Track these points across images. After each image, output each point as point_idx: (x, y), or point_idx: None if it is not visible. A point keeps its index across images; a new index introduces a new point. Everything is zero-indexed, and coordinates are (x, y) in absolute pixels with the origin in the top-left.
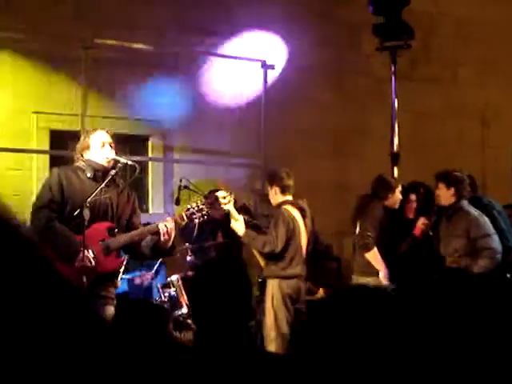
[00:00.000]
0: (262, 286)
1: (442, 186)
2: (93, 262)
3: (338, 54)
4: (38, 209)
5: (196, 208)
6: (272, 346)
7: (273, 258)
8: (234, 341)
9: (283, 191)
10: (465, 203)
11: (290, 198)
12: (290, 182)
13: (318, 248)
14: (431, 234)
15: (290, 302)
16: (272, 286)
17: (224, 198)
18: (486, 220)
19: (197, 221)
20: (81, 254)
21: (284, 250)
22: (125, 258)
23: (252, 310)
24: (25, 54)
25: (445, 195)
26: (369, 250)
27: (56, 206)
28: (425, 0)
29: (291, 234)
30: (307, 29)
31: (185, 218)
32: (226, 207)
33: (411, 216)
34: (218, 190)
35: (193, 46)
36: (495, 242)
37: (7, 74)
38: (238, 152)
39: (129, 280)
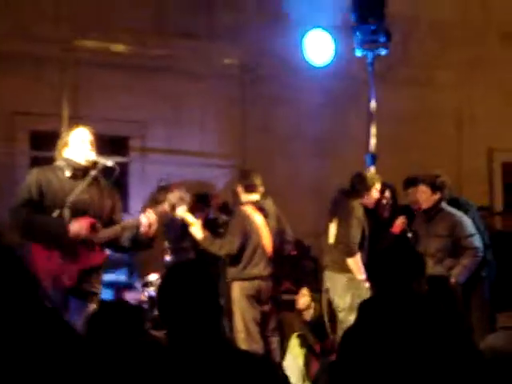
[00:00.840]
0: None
1: (426, 189)
2: (86, 232)
3: None
4: (16, 207)
5: (178, 197)
6: (243, 347)
7: (231, 260)
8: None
9: (247, 190)
10: (444, 204)
11: (255, 197)
12: (256, 182)
13: (287, 246)
14: (410, 234)
15: (254, 302)
16: (234, 288)
17: (181, 199)
18: (468, 220)
19: (181, 210)
20: (71, 228)
21: (240, 251)
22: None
23: (221, 307)
24: (6, 55)
25: (428, 199)
26: (352, 255)
27: (34, 205)
28: (401, 3)
29: (247, 237)
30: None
31: (167, 208)
32: (179, 212)
33: (386, 215)
34: (202, 194)
35: (173, 48)
36: (478, 241)
37: None
38: (218, 153)
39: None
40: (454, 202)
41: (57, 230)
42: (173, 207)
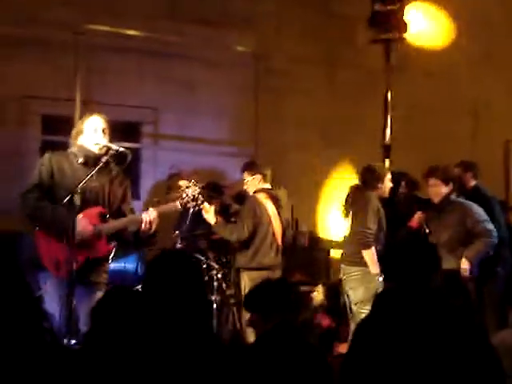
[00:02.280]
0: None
1: (438, 182)
2: (92, 229)
3: (332, 45)
4: (25, 192)
5: (191, 197)
6: (252, 338)
7: (240, 248)
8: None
9: (264, 179)
10: (453, 196)
11: (268, 186)
12: (269, 171)
13: (301, 237)
14: (427, 230)
15: None
16: (243, 277)
17: (188, 187)
18: (478, 207)
19: (191, 210)
20: (79, 223)
21: (250, 239)
22: (115, 244)
23: (207, 300)
24: (18, 41)
25: (441, 191)
26: (368, 247)
27: (44, 190)
28: None
29: (257, 224)
30: (301, 20)
31: (179, 206)
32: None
33: (401, 205)
34: (212, 183)
35: (186, 34)
36: (491, 225)
37: (1, 60)
38: (230, 141)
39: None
40: (476, 192)
41: (62, 223)
42: (185, 205)
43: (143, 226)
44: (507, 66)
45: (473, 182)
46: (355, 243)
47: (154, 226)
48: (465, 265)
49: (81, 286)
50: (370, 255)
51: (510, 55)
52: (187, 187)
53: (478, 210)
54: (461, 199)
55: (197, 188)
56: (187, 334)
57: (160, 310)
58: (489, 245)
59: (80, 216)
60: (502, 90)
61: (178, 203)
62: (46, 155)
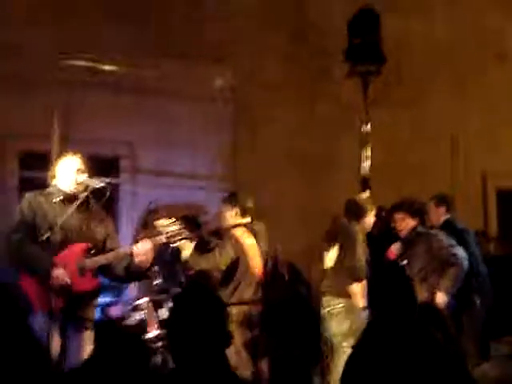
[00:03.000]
0: None
1: (405, 216)
2: (67, 280)
3: (309, 78)
4: (10, 233)
5: (176, 231)
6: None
7: (220, 283)
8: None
9: (244, 213)
10: (420, 228)
11: (247, 220)
12: (250, 205)
13: (282, 268)
14: (405, 262)
15: (244, 327)
16: None
17: (178, 234)
18: (443, 234)
19: (175, 244)
20: (54, 273)
21: (230, 274)
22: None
23: (229, 335)
24: None
25: (408, 225)
26: (361, 280)
27: (29, 229)
28: (396, 27)
29: (235, 261)
30: (277, 52)
31: (163, 240)
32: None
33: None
34: (190, 216)
35: (162, 68)
36: (459, 249)
37: None
38: (208, 175)
39: (102, 309)
40: (450, 225)
41: (42, 267)
42: (169, 239)
43: (137, 258)
44: (484, 96)
45: (445, 216)
46: (342, 276)
47: (149, 257)
48: (441, 299)
49: (69, 323)
50: (359, 288)
51: (487, 85)
52: (166, 225)
53: (443, 237)
54: (425, 230)
55: (178, 225)
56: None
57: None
58: (459, 270)
59: (58, 267)
60: (478, 120)
61: (163, 237)
62: (26, 196)
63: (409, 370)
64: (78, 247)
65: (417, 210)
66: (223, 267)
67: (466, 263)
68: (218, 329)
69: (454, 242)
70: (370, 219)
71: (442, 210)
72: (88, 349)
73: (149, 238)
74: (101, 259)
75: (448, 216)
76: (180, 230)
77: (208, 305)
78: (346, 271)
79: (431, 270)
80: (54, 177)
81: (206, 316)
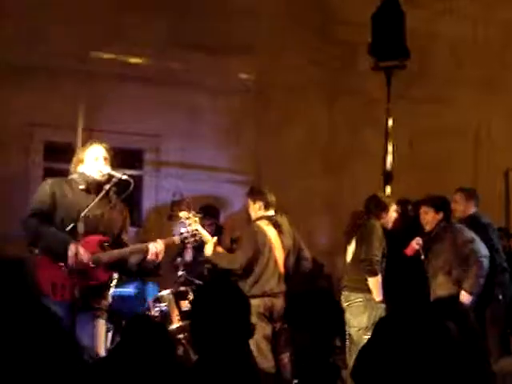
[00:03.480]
0: None
1: (429, 210)
2: (88, 257)
3: (333, 72)
4: (27, 217)
5: (190, 232)
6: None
7: (242, 275)
8: (235, 360)
9: (266, 206)
10: (444, 222)
11: (270, 213)
12: (273, 198)
13: (305, 262)
14: (423, 257)
15: (265, 320)
16: None
17: (187, 218)
18: (466, 229)
19: (189, 245)
20: (71, 251)
21: (251, 266)
22: (113, 272)
23: (251, 326)
24: (22, 67)
25: (433, 220)
26: (375, 275)
27: (46, 215)
28: (420, 20)
29: (258, 252)
30: (302, 46)
31: (177, 241)
32: (192, 227)
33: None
34: (208, 206)
35: (188, 61)
36: (480, 246)
37: (4, 86)
38: (231, 168)
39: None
40: (475, 220)
41: (59, 249)
42: (183, 240)
43: (149, 256)
44: (508, 92)
45: (473, 210)
46: (359, 270)
47: (160, 257)
48: (465, 298)
49: (81, 312)
50: (375, 282)
51: (508, 80)
52: (187, 218)
53: (467, 233)
54: (451, 224)
55: (196, 223)
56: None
57: (206, 337)
58: (481, 269)
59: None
60: (502, 116)
61: (176, 238)
62: (48, 180)
63: (420, 363)
64: (94, 239)
65: (442, 205)
66: (243, 266)
67: (486, 261)
68: (240, 321)
69: (477, 238)
70: (390, 215)
71: (472, 203)
72: (101, 337)
73: (163, 239)
74: (116, 254)
75: (475, 210)
76: (194, 232)
77: (229, 297)
78: (360, 265)
79: (456, 264)
80: (77, 163)
81: (227, 308)
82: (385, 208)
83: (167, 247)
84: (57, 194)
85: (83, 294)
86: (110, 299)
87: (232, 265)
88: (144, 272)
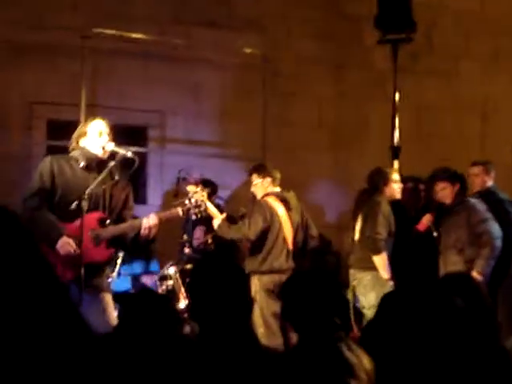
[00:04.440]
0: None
1: (446, 184)
2: (75, 249)
3: (339, 46)
4: (27, 197)
5: (194, 203)
6: (263, 342)
7: (251, 251)
8: (235, 335)
9: (274, 182)
10: (464, 197)
11: (277, 189)
12: (278, 175)
13: (313, 240)
14: (435, 234)
15: (274, 296)
16: (253, 281)
17: (196, 192)
18: (482, 206)
19: (194, 217)
20: (61, 241)
21: (260, 242)
22: (116, 249)
23: (251, 302)
24: (24, 45)
25: (451, 193)
26: (379, 253)
27: (46, 194)
28: None
29: (268, 227)
30: (308, 21)
31: (180, 213)
32: (196, 198)
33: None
34: (209, 181)
35: (193, 37)
36: (492, 226)
37: (6, 64)
38: (238, 144)
39: (133, 278)
40: (491, 195)
41: (52, 237)
42: (187, 211)
43: (142, 231)
44: None
45: (490, 183)
46: (365, 248)
47: (153, 232)
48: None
49: (84, 293)
50: (380, 260)
51: None
52: (195, 193)
53: (480, 208)
54: (468, 198)
55: (202, 195)
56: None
57: (205, 313)
58: (493, 250)
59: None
60: (510, 89)
61: (179, 210)
62: (47, 159)
63: (424, 338)
64: (93, 216)
65: (456, 177)
66: (252, 237)
67: (499, 242)
68: (238, 296)
69: (491, 216)
70: (394, 187)
71: (490, 176)
72: (111, 311)
73: (160, 212)
74: (117, 230)
75: (492, 184)
76: (198, 202)
77: (227, 271)
78: (365, 242)
79: (468, 242)
80: (79, 136)
81: (224, 283)
82: (388, 179)
83: (171, 220)
84: (56, 172)
85: (85, 273)
86: (113, 277)
87: (241, 232)
88: (137, 247)
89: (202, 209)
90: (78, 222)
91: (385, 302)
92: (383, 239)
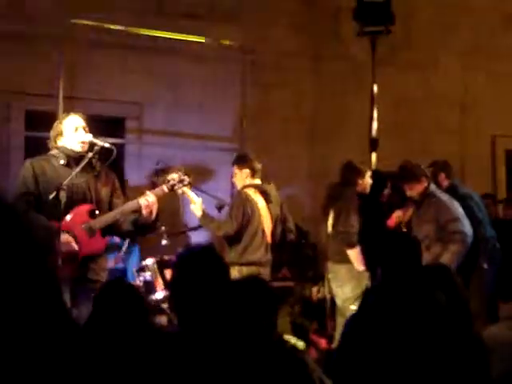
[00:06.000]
0: None
1: (412, 184)
2: (75, 246)
3: (318, 38)
4: (15, 200)
5: (177, 179)
6: None
7: (230, 243)
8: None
9: (253, 174)
10: (433, 187)
11: (257, 181)
12: (259, 166)
13: (290, 234)
14: (404, 229)
15: None
16: (233, 273)
17: (180, 181)
18: (454, 204)
19: (180, 191)
20: (62, 238)
21: (239, 234)
22: (110, 238)
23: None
24: (2, 34)
25: (418, 190)
26: (353, 246)
27: (31, 197)
28: None
29: (247, 219)
30: (287, 12)
31: (166, 190)
32: (181, 190)
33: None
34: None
35: (171, 28)
36: (464, 225)
37: None
38: (216, 136)
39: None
40: (454, 191)
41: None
42: (172, 188)
43: (144, 211)
44: (495, 58)
45: (446, 182)
46: (339, 242)
47: (154, 210)
48: None
49: (79, 286)
50: (354, 254)
51: (497, 47)
52: (180, 181)
53: (453, 207)
54: (439, 194)
55: (187, 186)
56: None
57: (190, 306)
58: (462, 248)
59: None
60: (489, 82)
61: (164, 187)
62: (27, 162)
63: (409, 331)
64: (83, 209)
65: (420, 173)
66: (233, 233)
67: (469, 240)
68: (221, 289)
69: (462, 213)
70: (366, 182)
71: (443, 175)
72: None
73: (150, 191)
74: (108, 218)
75: (449, 181)
76: (180, 177)
77: (209, 263)
78: (339, 236)
79: (436, 239)
80: (57, 135)
81: (207, 274)
82: (360, 173)
83: (160, 199)
84: (38, 174)
85: (80, 266)
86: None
87: (222, 230)
88: (142, 229)
89: (185, 183)
90: (68, 217)
91: (366, 296)
92: (356, 232)
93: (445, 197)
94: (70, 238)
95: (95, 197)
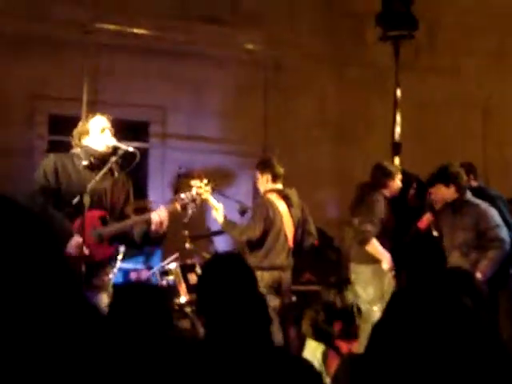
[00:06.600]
0: None
1: (440, 186)
2: (86, 251)
3: (341, 43)
4: (32, 194)
5: (190, 197)
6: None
7: (252, 248)
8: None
9: (274, 179)
10: (469, 195)
11: (279, 186)
12: (281, 171)
13: (310, 237)
14: (435, 233)
15: (274, 292)
16: None
17: (200, 187)
18: (494, 211)
19: (190, 211)
20: (73, 241)
21: (261, 239)
22: (118, 246)
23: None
24: (26, 39)
25: (446, 194)
26: (367, 243)
27: (50, 192)
28: None
29: (270, 224)
30: (311, 18)
31: (178, 208)
32: (203, 196)
33: (411, 204)
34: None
35: (194, 32)
36: (504, 232)
37: (8, 57)
38: (239, 140)
39: (124, 273)
40: (482, 192)
41: (64, 236)
42: (184, 206)
43: (153, 226)
44: None
45: (475, 183)
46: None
47: (164, 226)
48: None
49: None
50: (372, 248)
51: None
52: (199, 187)
53: (492, 214)
54: (476, 200)
55: (208, 192)
56: (245, 339)
57: (215, 313)
58: (501, 255)
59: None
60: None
61: (177, 205)
62: (50, 156)
63: (437, 337)
64: (95, 214)
65: (453, 177)
66: (256, 238)
67: (507, 247)
68: (248, 294)
69: (500, 221)
70: (396, 184)
71: (471, 177)
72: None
73: (165, 206)
74: (117, 227)
75: (476, 184)
76: (193, 197)
77: (236, 270)
78: (355, 236)
79: (474, 246)
80: (82, 134)
81: (233, 281)
82: (390, 175)
83: (171, 215)
84: (59, 170)
85: (86, 272)
86: (112, 274)
87: (245, 235)
88: (149, 242)
89: (197, 202)
90: (79, 221)
91: (394, 300)
92: (369, 230)
93: (484, 204)
94: (82, 242)
95: (110, 203)
